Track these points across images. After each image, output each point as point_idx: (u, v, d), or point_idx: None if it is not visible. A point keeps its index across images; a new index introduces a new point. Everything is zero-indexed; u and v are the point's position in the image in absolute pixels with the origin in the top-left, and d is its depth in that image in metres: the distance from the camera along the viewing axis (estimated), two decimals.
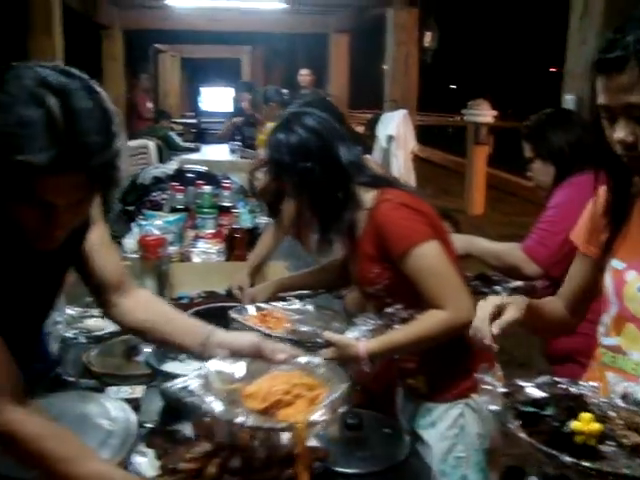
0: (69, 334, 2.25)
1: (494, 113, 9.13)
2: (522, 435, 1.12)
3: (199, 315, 2.19)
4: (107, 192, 1.30)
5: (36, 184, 1.15)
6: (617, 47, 1.19)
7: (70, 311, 2.38)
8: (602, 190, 1.46)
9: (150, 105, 10.01)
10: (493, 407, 1.19)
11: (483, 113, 8.96)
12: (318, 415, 1.40)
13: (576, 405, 1.18)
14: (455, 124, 10.13)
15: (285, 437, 1.58)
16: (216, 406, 1.39)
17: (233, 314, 2.01)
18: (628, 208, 1.42)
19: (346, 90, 8.79)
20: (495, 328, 1.37)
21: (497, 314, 1.39)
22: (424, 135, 6.60)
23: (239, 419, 1.37)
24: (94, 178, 1.19)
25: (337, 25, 8.63)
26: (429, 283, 1.78)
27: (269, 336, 1.82)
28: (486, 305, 1.41)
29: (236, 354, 1.54)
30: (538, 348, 2.65)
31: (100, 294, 1.67)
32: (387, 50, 6.40)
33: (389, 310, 1.80)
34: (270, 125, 6.10)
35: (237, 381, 1.48)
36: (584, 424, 1.12)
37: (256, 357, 1.54)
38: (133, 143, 7.87)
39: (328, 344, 1.77)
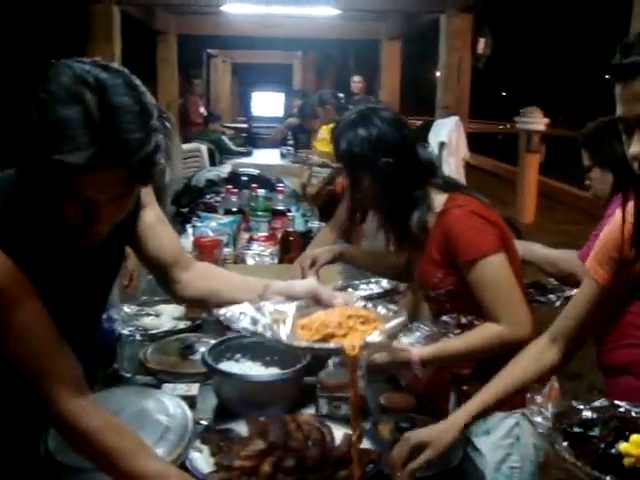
0: (125, 331, 2.30)
1: (546, 121, 9.02)
2: (568, 456, 1.10)
3: None
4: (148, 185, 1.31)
5: (76, 181, 1.16)
6: (633, 53, 1.12)
7: (126, 309, 2.43)
8: (628, 212, 1.33)
9: (203, 110, 10.14)
10: (542, 427, 1.18)
11: (536, 121, 8.86)
12: (372, 337, 1.35)
13: (625, 426, 1.14)
14: (506, 131, 10.03)
15: (339, 438, 1.61)
16: (266, 330, 1.36)
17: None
18: None
19: (397, 96, 8.77)
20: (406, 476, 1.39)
21: (415, 454, 1.41)
22: (474, 142, 6.54)
23: (288, 340, 1.34)
24: (134, 174, 1.20)
25: (389, 31, 8.62)
26: (489, 295, 1.76)
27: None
28: (400, 448, 1.42)
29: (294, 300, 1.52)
30: (592, 359, 2.61)
31: (161, 273, 1.70)
32: (440, 56, 6.37)
33: (444, 318, 1.80)
34: (326, 128, 6.14)
35: (291, 315, 1.44)
36: (634, 446, 1.07)
37: (313, 302, 1.53)
38: (186, 146, 7.98)
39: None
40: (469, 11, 6.12)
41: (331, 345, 1.34)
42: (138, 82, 1.22)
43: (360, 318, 1.42)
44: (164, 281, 1.72)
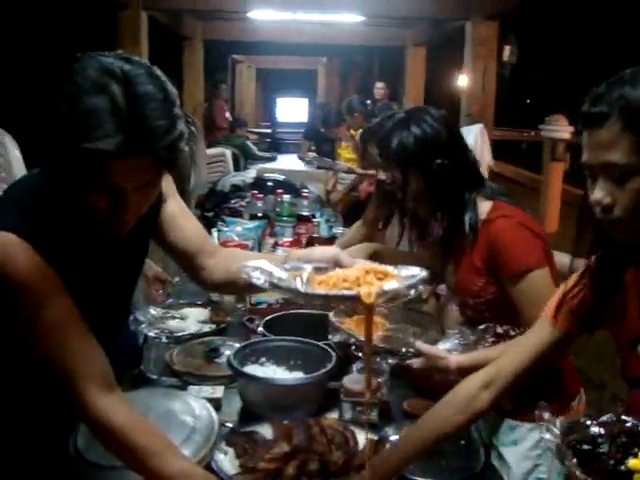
0: (151, 334, 2.32)
1: (571, 129, 8.93)
2: (578, 473, 1.09)
3: (277, 321, 2.25)
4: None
5: (105, 169, 1.19)
6: (601, 102, 1.14)
7: (153, 311, 2.45)
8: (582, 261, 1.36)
9: (228, 114, 10.21)
10: (551, 444, 1.18)
11: (561, 129, 8.75)
12: (389, 285, 1.33)
13: (632, 441, 1.13)
14: (531, 139, 9.96)
15: (362, 443, 1.62)
16: (282, 282, 1.34)
17: (332, 317, 1.94)
18: (619, 279, 1.31)
19: (422, 103, 8.76)
20: None
21: None
22: (498, 150, 6.52)
23: (303, 289, 1.32)
24: (160, 160, 1.22)
25: (414, 38, 8.62)
26: (531, 310, 1.71)
27: (362, 342, 1.81)
28: None
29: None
30: (616, 369, 2.59)
31: (187, 262, 1.72)
32: (465, 64, 6.37)
33: (482, 327, 1.77)
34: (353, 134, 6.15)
35: (308, 271, 1.42)
36: None
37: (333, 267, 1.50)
38: (210, 151, 8.04)
39: (419, 354, 1.75)
40: (495, 18, 6.10)
41: (346, 292, 1.31)
42: (160, 72, 1.26)
43: (379, 274, 1.39)
44: (191, 270, 1.73)
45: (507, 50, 7.05)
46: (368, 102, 6.07)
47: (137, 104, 1.18)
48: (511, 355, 1.50)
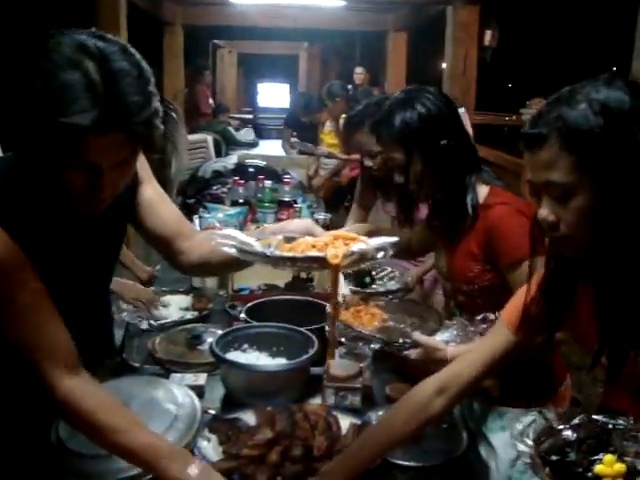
0: (134, 321, 2.32)
1: None
2: None
3: (259, 307, 2.25)
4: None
5: (81, 145, 1.19)
6: (539, 123, 1.17)
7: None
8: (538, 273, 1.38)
9: (211, 101, 10.17)
10: (525, 455, 1.21)
11: None
12: (357, 246, 1.36)
13: (597, 445, 1.16)
14: (512, 123, 10.00)
15: (345, 427, 1.63)
16: (251, 246, 1.38)
17: (328, 309, 1.91)
18: (571, 292, 1.34)
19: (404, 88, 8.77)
20: None
21: None
22: (480, 134, 6.53)
23: (272, 251, 1.35)
24: (135, 136, 1.23)
25: (395, 23, 8.58)
26: None
27: (359, 334, 1.83)
28: None
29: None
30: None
31: (164, 246, 1.74)
32: (446, 48, 6.36)
33: (479, 317, 1.76)
34: (332, 123, 6.14)
35: (279, 239, 1.47)
36: (607, 466, 1.11)
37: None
38: (192, 137, 7.98)
39: (416, 345, 1.75)
40: (476, 3, 6.09)
41: (314, 253, 1.34)
42: (134, 50, 1.26)
43: (348, 240, 1.43)
44: (169, 255, 1.75)
45: (488, 34, 7.05)
46: (349, 87, 6.05)
47: (112, 80, 1.19)
48: (466, 362, 1.51)
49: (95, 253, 1.54)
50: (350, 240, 1.43)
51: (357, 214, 3.52)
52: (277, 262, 1.38)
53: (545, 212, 1.20)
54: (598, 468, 1.11)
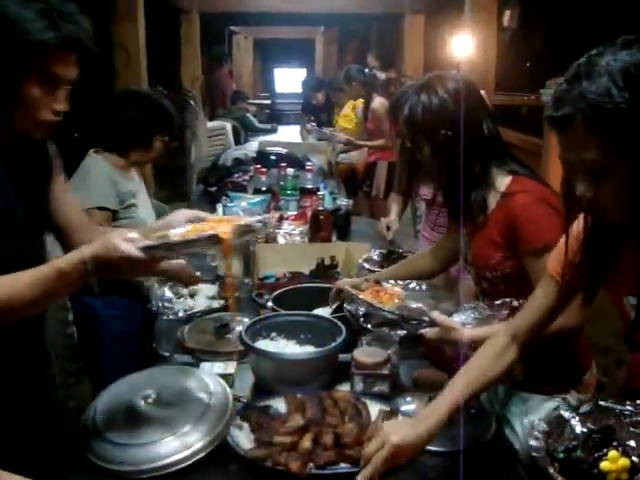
0: (163, 311, 2.35)
1: None
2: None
3: (285, 295, 2.27)
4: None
5: (45, 59, 1.43)
6: (563, 104, 1.13)
7: (162, 289, 2.47)
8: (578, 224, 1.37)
9: (234, 86, 10.23)
10: (536, 450, 1.23)
11: None
12: (241, 221, 1.54)
13: (602, 440, 1.19)
14: (531, 104, 9.91)
15: (374, 414, 1.65)
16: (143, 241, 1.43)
17: (350, 288, 2.01)
18: (615, 244, 1.33)
19: (421, 71, 8.69)
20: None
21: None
22: (499, 115, 6.48)
23: (162, 240, 1.44)
24: (83, 55, 1.50)
25: (412, 5, 8.51)
26: None
27: (379, 309, 1.88)
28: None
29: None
30: (619, 334, 2.61)
31: (67, 237, 1.80)
32: (464, 29, 6.30)
33: (497, 302, 1.78)
34: (350, 104, 6.12)
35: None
36: (612, 463, 1.13)
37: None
38: (210, 124, 8.01)
39: (433, 324, 1.77)
40: None
41: (205, 233, 1.47)
42: None
43: (231, 220, 1.58)
44: (68, 246, 1.79)
45: (507, 15, 6.97)
46: (367, 71, 6.02)
47: (62, 9, 1.45)
48: (530, 307, 1.55)
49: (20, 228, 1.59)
50: (234, 220, 1.60)
51: (397, 201, 3.60)
52: (171, 247, 1.46)
53: (583, 188, 1.19)
54: (603, 465, 1.14)
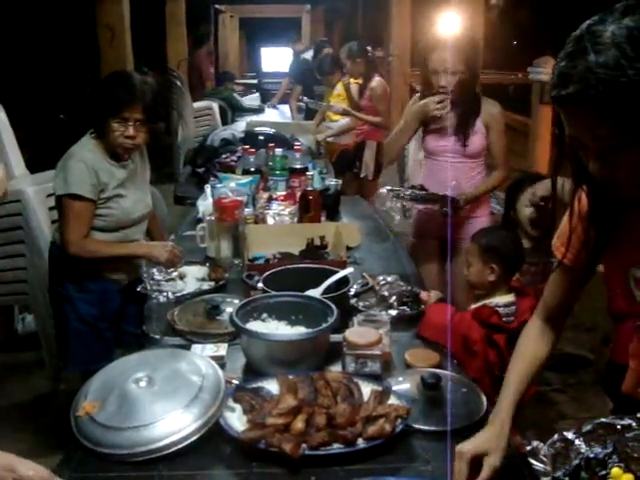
0: (152, 294, 2.34)
1: None
2: None
3: (276, 276, 2.26)
4: None
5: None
6: (570, 81, 1.06)
7: (156, 274, 2.46)
8: (582, 199, 1.33)
9: (212, 69, 10.12)
10: (540, 472, 1.24)
11: (549, 71, 8.68)
12: None
13: (606, 458, 1.19)
14: (518, 82, 9.89)
15: (367, 394, 1.65)
16: None
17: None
18: (618, 215, 1.30)
19: (408, 50, 8.64)
20: None
21: (475, 466, 1.37)
22: (486, 93, 6.47)
23: None
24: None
25: None
26: None
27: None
28: (459, 465, 1.38)
29: None
30: (603, 310, 2.63)
31: None
32: (451, 7, 6.27)
33: None
34: (342, 84, 6.05)
35: None
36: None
37: None
38: (197, 104, 7.96)
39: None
40: None
41: None
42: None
43: None
44: None
45: None
46: (369, 48, 5.94)
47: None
48: (552, 289, 1.56)
49: None
50: None
51: None
52: None
53: (597, 166, 1.13)
54: None
